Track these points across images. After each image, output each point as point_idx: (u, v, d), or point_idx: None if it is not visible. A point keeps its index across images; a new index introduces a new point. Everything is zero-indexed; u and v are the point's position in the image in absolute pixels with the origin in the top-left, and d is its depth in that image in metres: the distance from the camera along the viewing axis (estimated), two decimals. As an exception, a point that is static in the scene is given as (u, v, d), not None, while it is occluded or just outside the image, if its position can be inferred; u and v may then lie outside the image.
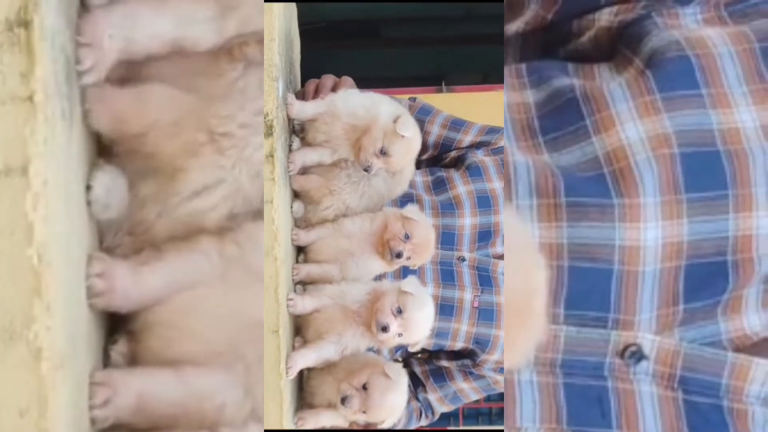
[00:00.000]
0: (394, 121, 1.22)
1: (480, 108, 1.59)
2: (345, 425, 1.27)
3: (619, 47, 1.12)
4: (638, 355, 1.05)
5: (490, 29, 3.92)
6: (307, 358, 1.20)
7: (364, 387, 1.19)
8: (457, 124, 1.56)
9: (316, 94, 1.35)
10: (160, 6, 0.92)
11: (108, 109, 0.94)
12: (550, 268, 1.04)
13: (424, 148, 1.55)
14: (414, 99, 1.59)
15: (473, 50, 4.07)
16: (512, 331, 1.01)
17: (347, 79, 1.40)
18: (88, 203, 0.93)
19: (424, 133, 1.47)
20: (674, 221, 1.03)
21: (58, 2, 0.83)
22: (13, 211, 0.77)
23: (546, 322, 1.03)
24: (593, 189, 1.04)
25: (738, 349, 1.07)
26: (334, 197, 1.29)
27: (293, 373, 1.17)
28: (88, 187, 0.93)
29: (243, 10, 0.95)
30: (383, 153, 1.21)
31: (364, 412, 1.20)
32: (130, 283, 0.96)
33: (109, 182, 0.96)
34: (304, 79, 1.48)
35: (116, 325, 1.02)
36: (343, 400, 1.19)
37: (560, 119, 1.09)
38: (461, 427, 3.25)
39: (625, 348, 1.05)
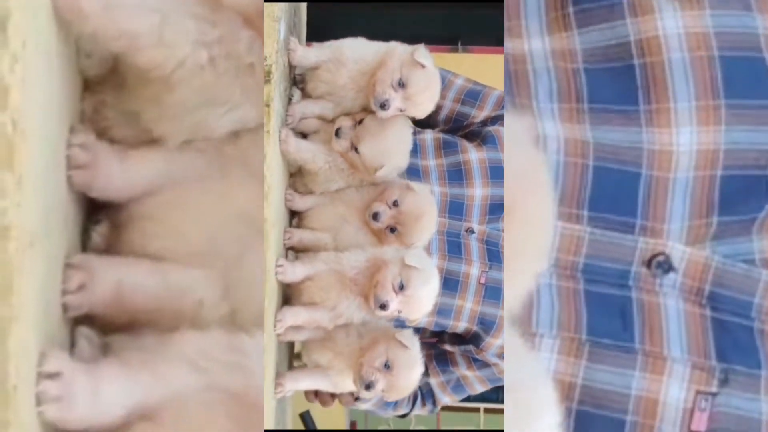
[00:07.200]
0: (413, 53, 1.11)
1: (496, 70, 1.47)
2: (330, 386, 1.17)
3: None
4: (666, 266, 0.98)
5: (508, -10, 3.78)
6: (298, 316, 1.10)
7: (387, 365, 1.08)
8: (471, 97, 1.43)
9: None
10: None
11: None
12: (574, 165, 0.97)
13: (434, 124, 1.44)
14: None
15: (489, 11, 3.94)
16: (513, 234, 0.93)
17: None
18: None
19: (435, 106, 1.34)
20: (710, 128, 0.95)
21: None
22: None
23: (551, 224, 0.96)
24: (617, 95, 0.97)
25: None
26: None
27: (282, 327, 1.07)
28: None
29: None
30: (401, 85, 1.09)
31: (384, 391, 1.09)
32: (116, 166, 0.90)
33: None
34: (311, 31, 1.35)
35: (98, 211, 0.96)
36: (368, 387, 1.07)
37: None
38: (456, 428, 3.17)
39: (653, 257, 0.98)
